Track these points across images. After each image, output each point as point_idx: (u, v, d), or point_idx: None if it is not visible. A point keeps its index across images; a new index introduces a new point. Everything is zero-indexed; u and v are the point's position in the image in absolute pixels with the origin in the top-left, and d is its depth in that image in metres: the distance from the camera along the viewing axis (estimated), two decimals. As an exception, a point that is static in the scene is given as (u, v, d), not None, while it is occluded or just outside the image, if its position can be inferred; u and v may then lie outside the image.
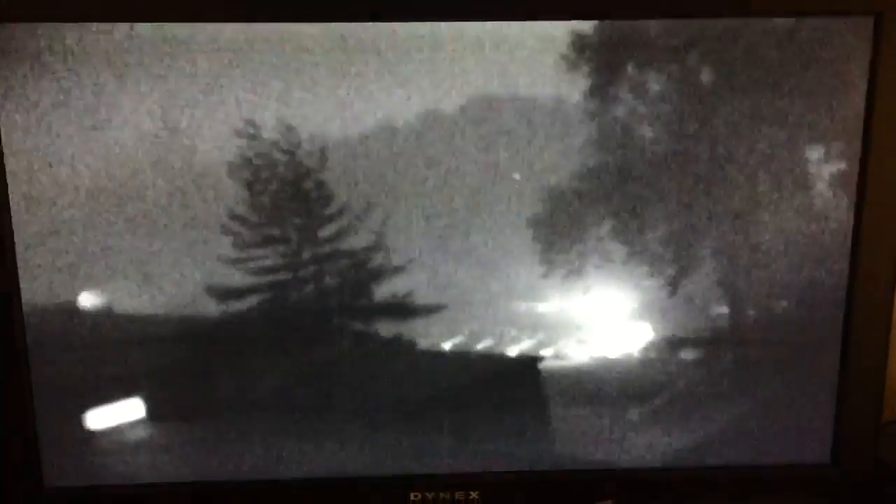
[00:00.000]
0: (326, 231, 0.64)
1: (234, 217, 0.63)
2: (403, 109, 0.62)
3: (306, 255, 0.64)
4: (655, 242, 0.65)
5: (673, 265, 0.66)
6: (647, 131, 0.63)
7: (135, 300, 0.64)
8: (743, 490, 0.70)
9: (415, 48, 0.61)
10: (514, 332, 0.66)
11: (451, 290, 0.65)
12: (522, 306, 0.66)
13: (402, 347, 0.66)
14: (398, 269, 0.65)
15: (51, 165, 0.61)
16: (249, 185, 0.63)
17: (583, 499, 0.67)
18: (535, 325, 0.66)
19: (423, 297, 0.65)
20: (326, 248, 0.64)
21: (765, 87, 0.63)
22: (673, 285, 0.66)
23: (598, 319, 0.67)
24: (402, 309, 0.65)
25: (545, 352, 0.67)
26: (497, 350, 0.67)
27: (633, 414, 0.68)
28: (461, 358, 0.66)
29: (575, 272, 0.66)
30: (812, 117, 0.63)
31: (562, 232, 0.65)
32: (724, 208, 0.65)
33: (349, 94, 0.61)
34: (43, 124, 0.61)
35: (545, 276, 0.65)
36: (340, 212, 0.64)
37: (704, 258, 0.66)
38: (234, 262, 0.64)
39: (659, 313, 0.67)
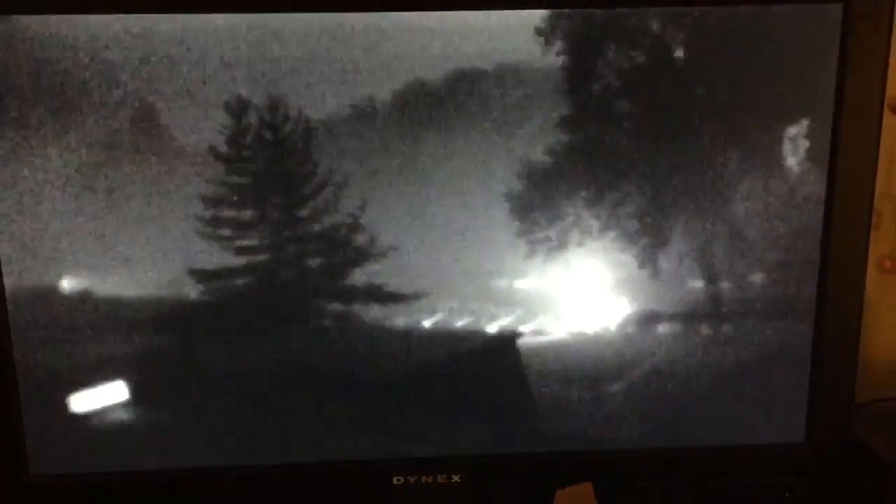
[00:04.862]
0: (305, 211, 0.65)
1: (214, 198, 0.64)
2: (381, 90, 0.62)
3: (286, 235, 0.65)
4: (632, 219, 0.66)
5: (649, 242, 0.67)
6: (623, 109, 0.64)
7: (117, 284, 0.65)
8: (718, 467, 0.71)
9: (392, 28, 0.61)
10: (493, 309, 0.67)
11: (430, 268, 0.66)
12: (501, 283, 0.67)
13: (382, 326, 0.67)
14: (377, 248, 0.65)
15: (30, 150, 0.62)
16: (230, 166, 0.63)
17: (563, 480, 0.68)
18: (513, 301, 0.67)
19: (402, 276, 0.66)
20: (306, 229, 0.65)
21: (738, 70, 0.64)
22: (650, 262, 0.67)
23: (577, 295, 0.68)
24: (382, 288, 0.66)
25: (524, 328, 0.68)
26: (476, 327, 0.68)
27: (611, 392, 0.69)
28: (441, 336, 0.67)
29: (553, 249, 0.66)
30: (784, 98, 0.64)
31: (539, 209, 0.66)
32: (700, 186, 0.66)
33: (328, 74, 0.62)
34: (18, 110, 0.61)
35: (523, 253, 0.66)
36: (319, 192, 0.64)
37: (681, 236, 0.67)
38: (215, 243, 0.64)
39: (636, 290, 0.68)
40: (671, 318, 0.68)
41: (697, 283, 0.68)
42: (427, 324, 0.67)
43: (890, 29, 0.63)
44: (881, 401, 0.83)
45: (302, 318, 0.66)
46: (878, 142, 0.65)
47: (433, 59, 0.62)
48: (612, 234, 0.66)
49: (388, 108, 0.63)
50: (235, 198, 0.64)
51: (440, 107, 0.63)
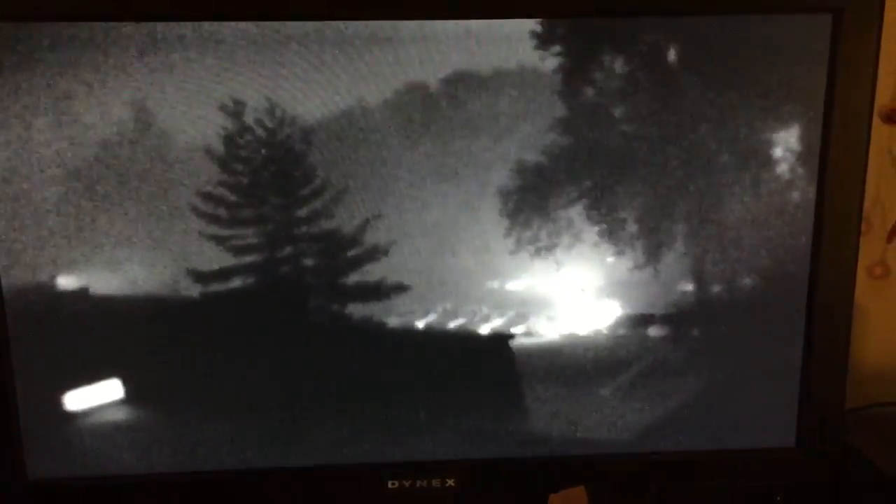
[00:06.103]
0: (301, 211, 0.65)
1: (211, 198, 0.64)
2: (378, 91, 0.63)
3: (282, 235, 0.65)
4: (624, 222, 0.67)
5: (641, 245, 0.67)
6: (616, 115, 0.65)
7: (115, 285, 0.65)
8: (710, 472, 0.71)
9: (390, 30, 0.62)
10: (485, 311, 0.68)
11: (423, 269, 0.66)
12: (494, 285, 0.67)
13: (376, 327, 0.67)
14: (371, 249, 0.66)
15: (27, 149, 0.62)
16: (227, 166, 0.64)
17: (556, 484, 0.69)
18: (506, 303, 0.68)
19: (396, 277, 0.66)
20: (301, 229, 0.65)
21: (729, 79, 0.64)
22: (641, 265, 0.68)
23: (568, 297, 0.68)
24: (376, 288, 0.67)
25: (516, 329, 0.68)
26: (469, 328, 0.68)
27: (602, 395, 0.70)
28: (435, 337, 0.67)
29: (545, 250, 0.67)
30: (775, 107, 0.65)
31: (533, 211, 0.66)
32: (691, 190, 0.66)
33: (326, 75, 0.63)
34: (17, 108, 0.61)
35: (516, 254, 0.67)
36: (316, 192, 0.65)
37: (672, 238, 0.67)
38: (213, 243, 0.65)
39: (627, 292, 0.68)
40: (662, 321, 0.69)
41: (688, 287, 0.68)
42: (420, 325, 0.67)
43: (879, 39, 0.63)
44: (871, 406, 0.84)
45: (296, 318, 0.67)
46: (867, 149, 0.65)
47: (430, 62, 0.63)
48: (604, 237, 0.67)
49: (384, 111, 0.63)
50: (232, 198, 0.64)
51: (436, 109, 0.64)
